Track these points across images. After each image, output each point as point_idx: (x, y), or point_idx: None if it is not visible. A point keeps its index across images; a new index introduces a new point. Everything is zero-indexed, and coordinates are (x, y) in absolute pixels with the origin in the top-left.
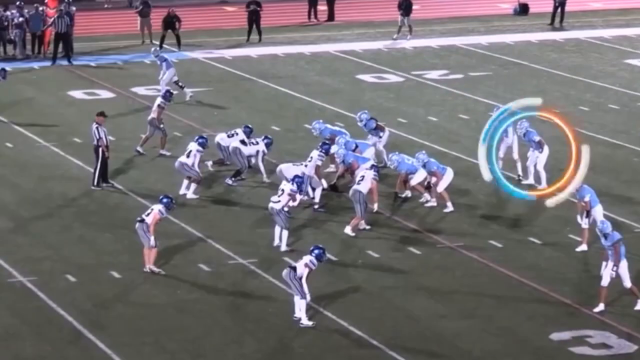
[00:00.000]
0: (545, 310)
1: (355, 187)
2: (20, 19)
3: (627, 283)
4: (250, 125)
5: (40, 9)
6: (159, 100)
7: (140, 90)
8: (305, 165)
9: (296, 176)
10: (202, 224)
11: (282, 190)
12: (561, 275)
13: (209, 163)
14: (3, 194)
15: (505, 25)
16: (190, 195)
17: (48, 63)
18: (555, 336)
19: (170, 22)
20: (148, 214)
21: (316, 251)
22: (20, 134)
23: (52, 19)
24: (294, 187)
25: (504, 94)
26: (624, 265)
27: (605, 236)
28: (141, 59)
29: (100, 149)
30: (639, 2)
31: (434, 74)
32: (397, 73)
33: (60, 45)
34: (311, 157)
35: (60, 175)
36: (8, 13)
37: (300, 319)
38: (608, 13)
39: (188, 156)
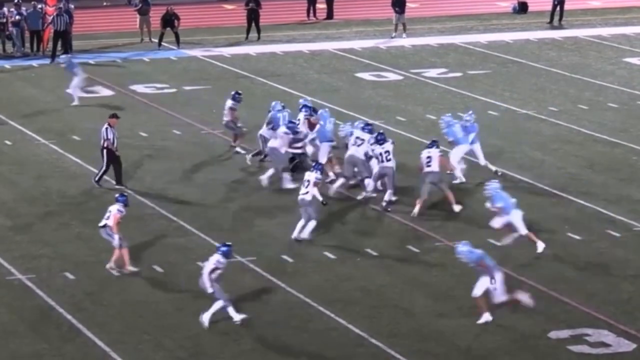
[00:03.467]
0: (543, 308)
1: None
2: (18, 17)
3: (502, 297)
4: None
5: (39, 6)
6: (229, 103)
7: (139, 87)
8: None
9: (316, 163)
10: (201, 221)
11: (308, 180)
12: (559, 273)
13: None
14: (1, 191)
15: (504, 24)
16: (279, 183)
17: (47, 61)
18: (554, 334)
19: (169, 20)
20: (108, 217)
21: (223, 248)
22: (19, 132)
23: (52, 17)
24: (318, 175)
25: (503, 92)
26: (499, 277)
27: (467, 261)
28: (140, 57)
29: (107, 150)
30: (638, 0)
31: (432, 72)
32: (395, 71)
33: (60, 43)
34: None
35: (58, 172)
36: (5, 10)
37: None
38: (607, 11)
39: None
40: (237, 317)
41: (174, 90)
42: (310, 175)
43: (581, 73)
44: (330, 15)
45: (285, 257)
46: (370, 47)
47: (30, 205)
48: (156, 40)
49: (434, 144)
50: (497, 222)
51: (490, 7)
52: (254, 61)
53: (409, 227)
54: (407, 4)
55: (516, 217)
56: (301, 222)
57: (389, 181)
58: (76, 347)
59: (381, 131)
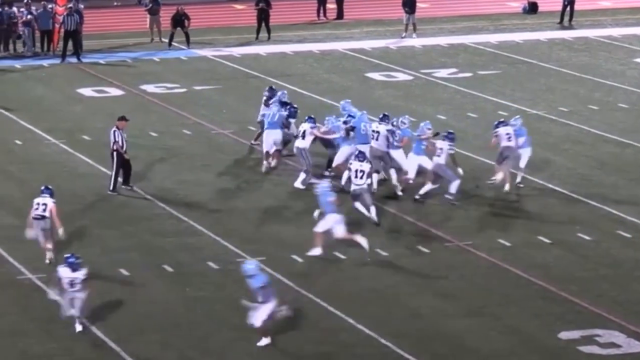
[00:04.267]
0: (553, 309)
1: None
2: (29, 17)
3: (257, 322)
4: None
5: (50, 6)
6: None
7: (149, 87)
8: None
9: (359, 152)
10: (211, 221)
11: (362, 171)
12: (570, 274)
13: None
14: (11, 190)
15: (515, 24)
16: (297, 184)
17: (57, 60)
18: (564, 335)
19: (179, 20)
20: (44, 210)
21: (69, 260)
22: (29, 131)
23: (62, 17)
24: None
25: (513, 92)
26: (269, 306)
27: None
28: (150, 57)
29: (117, 153)
30: None
31: (443, 73)
32: (405, 71)
33: (70, 43)
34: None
35: (68, 172)
36: (14, 9)
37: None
38: (617, 12)
39: (303, 137)
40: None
41: (184, 90)
42: (365, 166)
43: (591, 73)
44: (340, 15)
45: (295, 257)
46: (380, 47)
47: None
48: (166, 40)
49: (505, 122)
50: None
51: (501, 7)
52: (264, 61)
53: (419, 227)
54: (418, 4)
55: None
56: (363, 209)
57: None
58: (86, 347)
59: (451, 131)
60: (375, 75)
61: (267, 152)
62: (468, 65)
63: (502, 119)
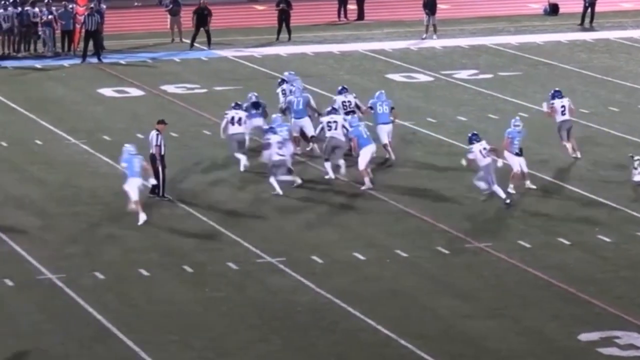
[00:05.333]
0: (572, 310)
1: None
2: (49, 17)
3: None
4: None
5: (70, 6)
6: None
7: (170, 88)
8: None
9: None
10: (230, 222)
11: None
12: (589, 275)
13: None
14: (32, 190)
15: (535, 25)
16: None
17: (78, 60)
18: (583, 337)
19: (202, 15)
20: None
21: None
22: (50, 132)
23: (83, 17)
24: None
25: (534, 94)
26: None
27: None
28: (171, 57)
29: (160, 157)
30: None
31: (463, 74)
32: (426, 72)
33: (91, 43)
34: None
35: (89, 172)
36: (36, 10)
37: None
38: (638, 13)
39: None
40: None
41: (204, 90)
42: (483, 144)
43: (612, 75)
44: (361, 16)
45: (314, 257)
46: (400, 48)
47: (60, 204)
48: (187, 41)
49: (560, 93)
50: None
51: (522, 8)
52: (284, 62)
53: (439, 228)
54: (438, 5)
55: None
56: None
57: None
58: (105, 347)
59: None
60: (396, 77)
61: (296, 137)
62: (489, 66)
63: (557, 89)
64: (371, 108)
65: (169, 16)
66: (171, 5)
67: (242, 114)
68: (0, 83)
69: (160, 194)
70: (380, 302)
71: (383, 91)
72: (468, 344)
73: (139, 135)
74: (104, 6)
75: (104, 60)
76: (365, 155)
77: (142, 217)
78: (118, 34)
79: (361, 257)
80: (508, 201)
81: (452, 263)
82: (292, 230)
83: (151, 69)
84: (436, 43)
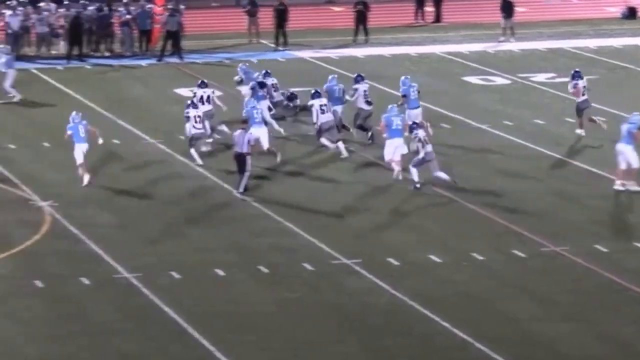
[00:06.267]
0: None
1: None
2: (127, 17)
3: None
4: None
5: (148, 6)
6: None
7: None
8: None
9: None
10: (306, 223)
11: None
12: None
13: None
14: (109, 190)
15: (613, 29)
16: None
17: (155, 60)
18: None
19: (282, 12)
20: None
21: None
22: (127, 131)
23: (164, 17)
24: None
25: (612, 97)
26: None
27: None
28: (248, 58)
29: (248, 156)
30: None
31: (541, 77)
32: (503, 75)
33: (169, 43)
34: None
35: (165, 172)
36: (115, 10)
37: None
38: None
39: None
40: None
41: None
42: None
43: None
44: (438, 18)
45: (390, 259)
46: (478, 51)
47: (137, 204)
48: (264, 42)
49: (580, 73)
50: None
51: (599, 12)
52: (361, 63)
53: (515, 231)
54: (516, 8)
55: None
56: None
57: None
58: (181, 346)
59: None
60: (472, 79)
61: (337, 127)
62: (566, 69)
63: (577, 69)
64: (404, 96)
65: (247, 17)
66: (249, 7)
67: (208, 91)
68: (79, 82)
69: (242, 190)
70: (456, 305)
71: (409, 77)
72: (544, 348)
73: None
74: (183, 6)
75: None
76: (389, 147)
77: (86, 178)
78: (196, 34)
79: (437, 260)
80: (418, 186)
81: (528, 267)
82: (368, 231)
83: (228, 68)
84: (513, 46)
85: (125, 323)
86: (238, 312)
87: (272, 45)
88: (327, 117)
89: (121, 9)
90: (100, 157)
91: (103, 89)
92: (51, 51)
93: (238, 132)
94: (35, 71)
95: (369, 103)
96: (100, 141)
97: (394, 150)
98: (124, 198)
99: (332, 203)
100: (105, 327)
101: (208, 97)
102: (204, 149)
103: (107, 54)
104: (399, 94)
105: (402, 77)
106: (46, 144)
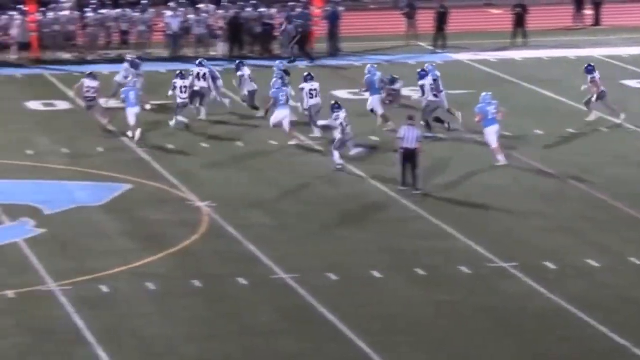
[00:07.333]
0: None
1: None
2: (286, 18)
3: None
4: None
5: (307, 8)
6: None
7: (405, 91)
8: None
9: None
10: (462, 225)
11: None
12: None
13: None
14: (266, 191)
15: None
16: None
17: (310, 62)
18: None
19: (443, 14)
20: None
21: None
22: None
23: (322, 18)
24: None
25: None
26: None
27: None
28: (406, 60)
29: (418, 151)
30: None
31: None
32: None
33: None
34: None
35: (320, 174)
36: (274, 11)
37: None
38: None
39: None
40: None
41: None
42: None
43: None
44: (597, 21)
45: (546, 263)
46: (637, 55)
47: (294, 205)
48: (422, 44)
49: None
50: None
51: None
52: (519, 66)
53: None
54: None
55: None
56: None
57: None
58: (337, 347)
59: None
60: (632, 83)
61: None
62: None
63: (591, 63)
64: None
65: (405, 19)
66: (407, 9)
67: (187, 82)
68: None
69: (417, 187)
70: (615, 309)
71: (490, 93)
72: None
73: (373, 138)
74: (341, 8)
75: (340, 63)
76: (491, 134)
77: (138, 134)
78: (353, 37)
79: (595, 264)
80: (340, 167)
81: None
82: (524, 235)
83: (385, 71)
84: None
85: (281, 323)
86: (394, 314)
87: (430, 47)
88: (316, 101)
89: (275, 10)
90: (258, 158)
91: (259, 90)
92: (210, 52)
93: (405, 127)
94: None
95: (436, 95)
96: (148, 107)
97: (495, 136)
98: (279, 199)
99: (488, 206)
100: (262, 327)
101: (204, 74)
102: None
103: (265, 55)
104: (557, 98)
105: (483, 94)
106: (204, 145)
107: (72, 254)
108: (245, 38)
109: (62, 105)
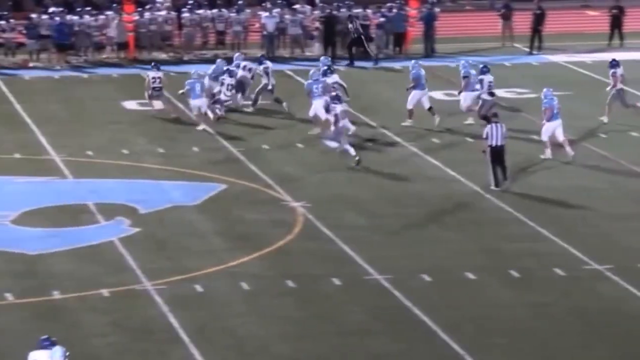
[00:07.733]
0: None
1: None
2: (382, 19)
3: None
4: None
5: (403, 9)
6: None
7: (500, 92)
8: None
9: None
10: (558, 227)
11: None
12: None
13: None
14: (360, 191)
15: None
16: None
17: (408, 62)
18: None
19: (539, 15)
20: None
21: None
22: (379, 134)
23: (418, 19)
24: None
25: None
26: None
27: None
28: (501, 61)
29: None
30: None
31: None
32: None
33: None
34: None
35: (417, 175)
36: (369, 11)
37: None
38: None
39: None
40: None
41: (534, 95)
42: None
43: None
44: None
45: None
46: None
47: (389, 206)
48: (517, 45)
49: (617, 61)
50: None
51: None
52: None
53: None
54: None
55: None
56: None
57: None
58: (431, 349)
59: None
60: None
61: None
62: None
63: (614, 58)
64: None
65: (501, 20)
66: (503, 10)
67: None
68: None
69: (507, 181)
70: None
71: (551, 89)
72: None
73: (469, 139)
74: (438, 9)
75: (435, 63)
76: (549, 128)
77: (202, 126)
78: (449, 37)
79: None
80: (357, 158)
81: None
82: (620, 237)
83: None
84: None
85: (374, 324)
86: (488, 316)
87: (526, 49)
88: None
89: (376, 11)
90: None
91: (356, 90)
92: (305, 53)
93: (490, 125)
94: (289, 72)
95: (491, 94)
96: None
97: (553, 131)
98: (375, 200)
99: (583, 209)
100: (355, 327)
101: (244, 66)
102: None
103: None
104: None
105: (544, 89)
106: (299, 145)
107: (167, 253)
108: (339, 39)
109: (157, 105)
